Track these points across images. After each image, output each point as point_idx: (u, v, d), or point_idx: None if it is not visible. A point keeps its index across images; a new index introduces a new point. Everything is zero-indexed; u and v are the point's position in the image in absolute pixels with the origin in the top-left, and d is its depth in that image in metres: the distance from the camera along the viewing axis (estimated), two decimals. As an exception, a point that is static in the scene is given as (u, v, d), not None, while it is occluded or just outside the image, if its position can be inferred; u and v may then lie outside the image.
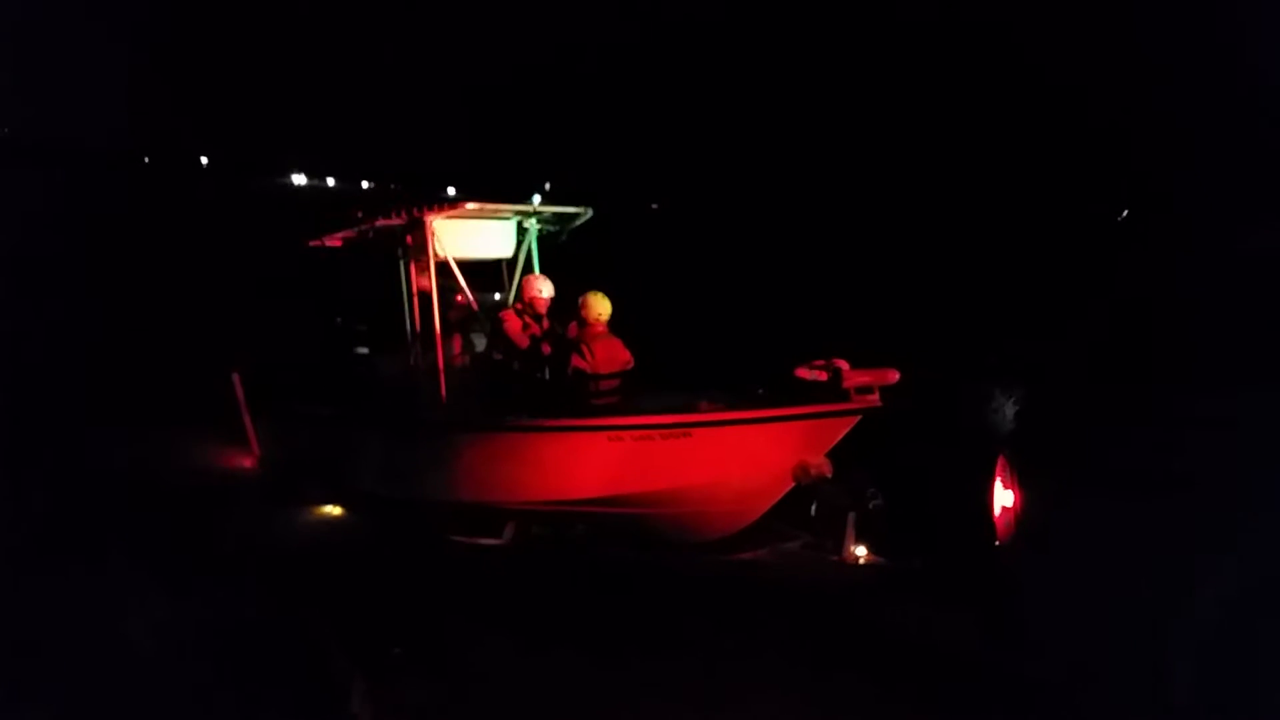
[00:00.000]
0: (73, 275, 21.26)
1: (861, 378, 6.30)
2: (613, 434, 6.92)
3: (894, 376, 6.35)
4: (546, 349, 8.23)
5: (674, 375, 8.41)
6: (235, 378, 11.01)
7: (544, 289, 8.54)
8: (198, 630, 5.63)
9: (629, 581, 6.85)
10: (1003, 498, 5.52)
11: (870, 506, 6.77)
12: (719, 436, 6.66)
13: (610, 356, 7.87)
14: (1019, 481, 5.14)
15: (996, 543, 5.33)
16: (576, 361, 7.81)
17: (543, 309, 8.48)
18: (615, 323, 8.11)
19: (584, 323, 7.92)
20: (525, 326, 8.36)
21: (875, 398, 6.34)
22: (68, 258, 22.13)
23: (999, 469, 5.47)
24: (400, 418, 9.01)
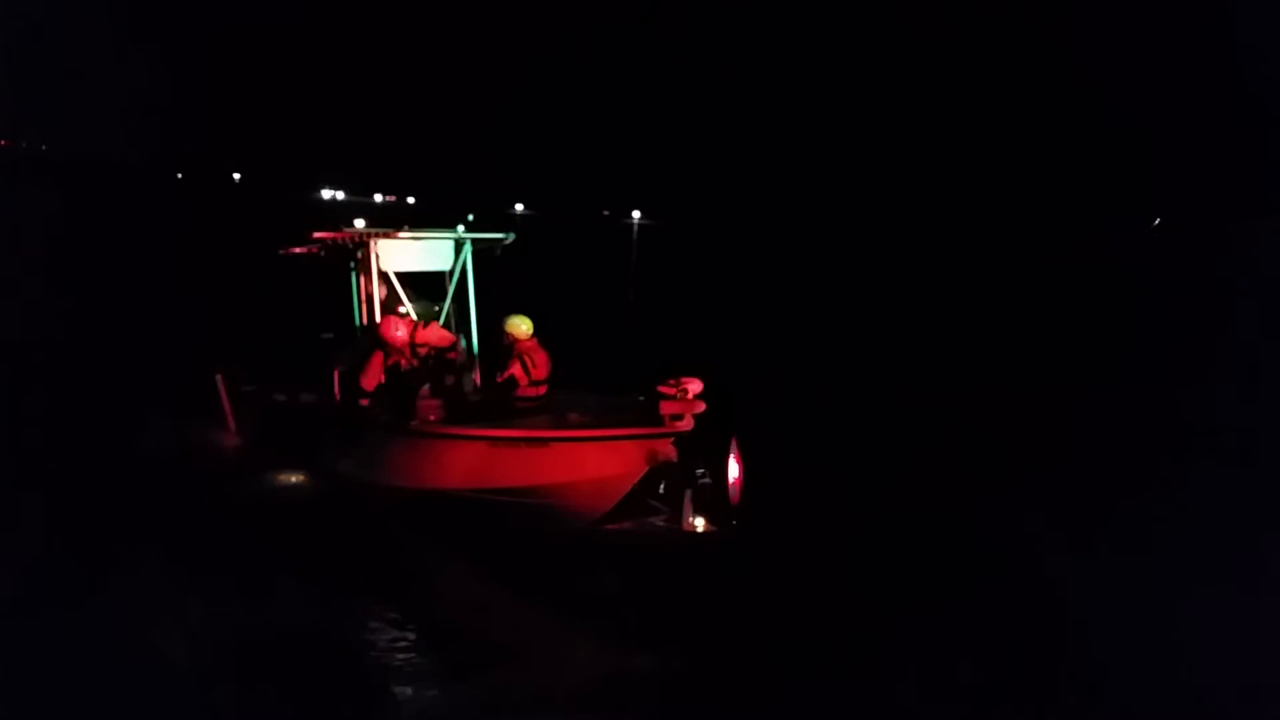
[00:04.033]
0: (90, 280, 23.39)
1: (674, 408, 7.88)
2: (489, 442, 8.67)
3: (701, 407, 7.91)
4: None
5: (588, 380, 10.18)
6: (219, 377, 12.68)
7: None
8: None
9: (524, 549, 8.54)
10: (733, 470, 7.25)
11: (699, 484, 8.15)
12: (566, 449, 8.37)
13: (545, 364, 9.75)
14: (742, 457, 6.91)
15: (732, 504, 7.05)
16: (517, 373, 9.50)
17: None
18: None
19: (515, 340, 9.63)
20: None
21: (686, 423, 7.92)
22: (88, 265, 24.25)
23: (732, 447, 7.22)
24: (345, 416, 10.54)
